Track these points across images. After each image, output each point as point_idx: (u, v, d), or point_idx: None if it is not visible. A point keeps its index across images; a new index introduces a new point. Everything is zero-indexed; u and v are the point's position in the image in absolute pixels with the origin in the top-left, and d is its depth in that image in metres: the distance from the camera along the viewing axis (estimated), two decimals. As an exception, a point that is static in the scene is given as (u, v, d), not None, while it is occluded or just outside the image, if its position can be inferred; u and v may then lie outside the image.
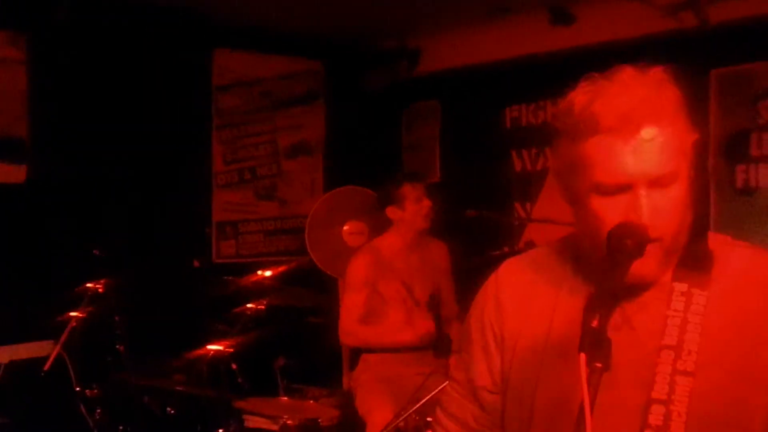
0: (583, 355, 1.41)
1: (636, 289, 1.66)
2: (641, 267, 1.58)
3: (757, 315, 1.63)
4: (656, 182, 1.57)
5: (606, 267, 1.55)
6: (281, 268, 5.35)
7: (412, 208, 4.68)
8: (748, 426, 1.60)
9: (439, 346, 4.51)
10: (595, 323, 1.44)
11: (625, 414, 1.63)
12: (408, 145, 6.48)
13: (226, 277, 5.30)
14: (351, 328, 4.67)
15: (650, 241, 1.57)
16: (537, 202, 5.59)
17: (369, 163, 6.14)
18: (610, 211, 1.59)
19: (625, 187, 1.58)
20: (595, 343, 1.43)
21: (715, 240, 1.74)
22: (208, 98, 6.08)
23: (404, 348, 4.65)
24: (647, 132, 1.55)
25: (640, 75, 1.60)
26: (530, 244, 5.11)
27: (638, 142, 1.55)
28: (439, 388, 3.85)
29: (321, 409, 4.66)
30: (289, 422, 4.30)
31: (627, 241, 1.55)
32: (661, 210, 1.58)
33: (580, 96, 1.61)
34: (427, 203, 4.69)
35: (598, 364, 1.42)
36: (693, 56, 4.49)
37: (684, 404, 1.59)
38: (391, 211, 4.71)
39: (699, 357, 1.61)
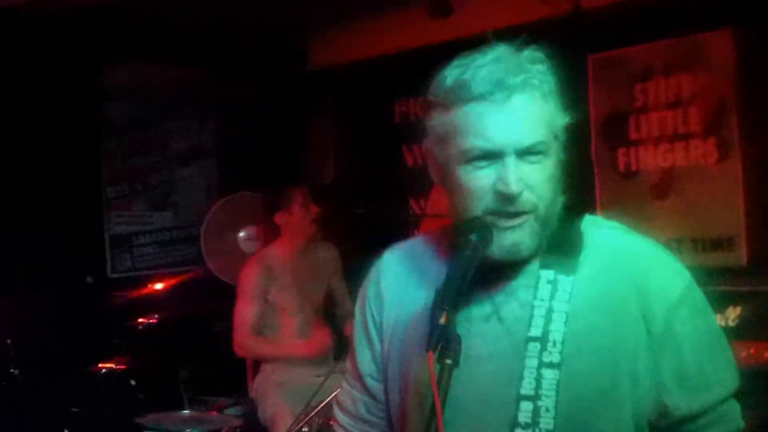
0: (430, 353, 1.41)
1: (504, 276, 1.65)
2: (516, 241, 1.58)
3: (618, 301, 1.61)
4: (525, 153, 1.56)
5: (453, 261, 1.54)
6: (175, 280, 5.27)
7: (300, 213, 4.66)
8: (616, 416, 1.59)
9: (339, 352, 4.52)
10: (443, 320, 1.43)
11: (495, 410, 1.61)
12: (303, 146, 6.45)
13: (120, 292, 5.20)
14: (243, 341, 4.62)
15: (513, 218, 1.56)
16: (430, 196, 5.61)
17: (265, 166, 6.08)
18: (479, 182, 1.57)
19: (494, 155, 1.55)
20: (443, 340, 1.42)
21: (588, 222, 1.72)
22: (96, 108, 5.94)
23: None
24: (519, 99, 1.54)
25: (514, 51, 1.61)
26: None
27: (509, 109, 1.54)
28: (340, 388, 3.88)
29: (224, 419, 4.62)
30: (192, 436, 4.26)
31: (471, 236, 1.55)
32: (531, 182, 1.56)
33: (453, 69, 1.59)
34: (314, 208, 4.67)
35: (448, 361, 1.42)
36: (570, 42, 4.55)
37: (552, 398, 1.56)
38: (279, 217, 4.69)
39: (565, 347, 1.58)
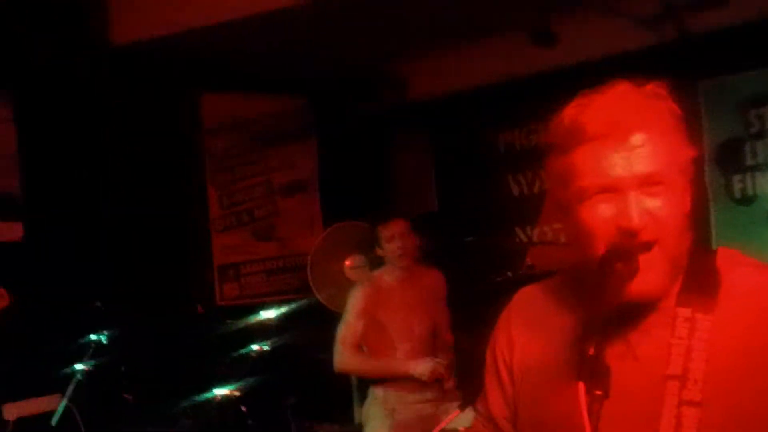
0: (581, 384, 1.39)
1: (639, 314, 1.61)
2: (644, 282, 1.53)
3: (764, 339, 1.56)
4: (645, 183, 1.53)
5: (598, 292, 1.51)
6: (282, 308, 5.33)
7: (388, 247, 4.71)
8: None
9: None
10: (591, 351, 1.41)
11: None
12: (402, 176, 6.48)
13: (230, 320, 5.27)
14: (343, 352, 4.63)
15: (641, 252, 1.52)
16: (537, 224, 5.57)
17: (365, 196, 6.12)
18: (598, 219, 1.54)
19: (611, 189, 1.53)
20: (593, 371, 1.40)
21: (722, 257, 1.66)
22: (200, 142, 6.08)
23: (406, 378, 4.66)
24: (636, 138, 1.52)
25: (635, 89, 1.58)
26: (531, 268, 5.09)
27: (626, 147, 1.52)
28: (451, 416, 3.84)
29: (332, 446, 4.64)
30: (302, 462, 4.28)
31: (617, 265, 1.51)
32: (653, 213, 1.53)
33: (571, 109, 1.59)
34: (405, 242, 4.70)
35: (598, 392, 1.39)
36: (678, 68, 4.51)
37: None
38: (377, 251, 4.76)
39: (705, 386, 1.54)
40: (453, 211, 6.03)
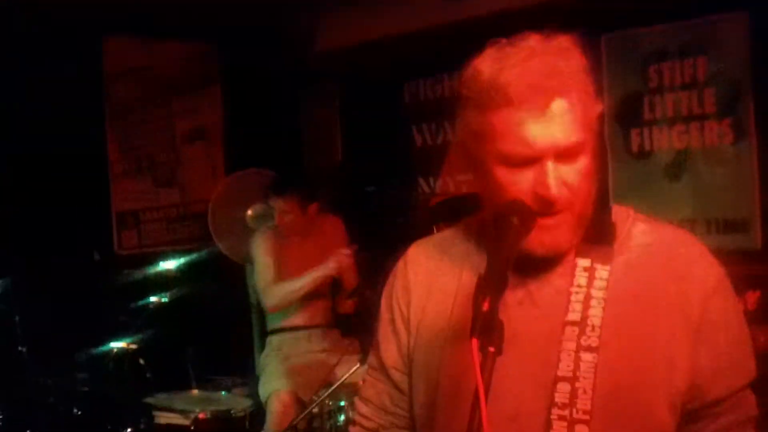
0: (474, 340, 1.38)
1: (540, 264, 1.66)
2: (553, 239, 1.60)
3: (656, 289, 1.64)
4: (564, 154, 1.56)
5: (494, 247, 1.53)
6: (183, 258, 5.26)
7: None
8: (651, 398, 1.61)
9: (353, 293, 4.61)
10: (485, 306, 1.41)
11: (532, 390, 1.62)
12: (308, 126, 6.41)
13: (128, 270, 5.18)
14: (271, 290, 4.69)
15: (538, 216, 1.56)
16: (439, 176, 5.58)
17: (270, 146, 6.04)
18: (516, 184, 1.57)
19: (532, 159, 1.55)
20: (487, 327, 1.40)
21: (618, 213, 1.74)
22: (100, 86, 5.90)
23: (309, 323, 4.67)
24: (557, 105, 1.54)
25: (546, 42, 1.58)
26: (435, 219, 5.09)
27: (548, 114, 1.53)
28: (352, 370, 3.88)
29: (233, 399, 4.63)
30: (200, 416, 4.26)
31: (513, 219, 1.54)
32: (570, 183, 1.57)
33: (487, 63, 1.58)
34: (294, 217, 4.74)
35: (491, 348, 1.40)
36: (582, 21, 4.50)
37: (590, 380, 1.58)
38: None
39: (603, 332, 1.61)
40: (357, 161, 6.00)
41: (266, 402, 4.43)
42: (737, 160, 4.35)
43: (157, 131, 6.16)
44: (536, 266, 1.66)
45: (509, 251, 1.51)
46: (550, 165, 1.55)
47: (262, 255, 4.76)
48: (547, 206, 1.56)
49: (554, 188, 1.55)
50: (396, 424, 1.87)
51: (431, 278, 1.79)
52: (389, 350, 1.85)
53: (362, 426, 1.91)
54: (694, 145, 4.51)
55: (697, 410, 1.65)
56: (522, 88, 1.52)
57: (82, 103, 5.69)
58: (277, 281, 4.68)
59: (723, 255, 1.71)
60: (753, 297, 3.49)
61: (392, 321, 1.84)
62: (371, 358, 1.92)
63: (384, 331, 1.86)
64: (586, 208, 1.63)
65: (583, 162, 1.58)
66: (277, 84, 6.30)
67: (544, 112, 1.53)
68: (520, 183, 1.56)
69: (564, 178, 1.56)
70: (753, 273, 3.57)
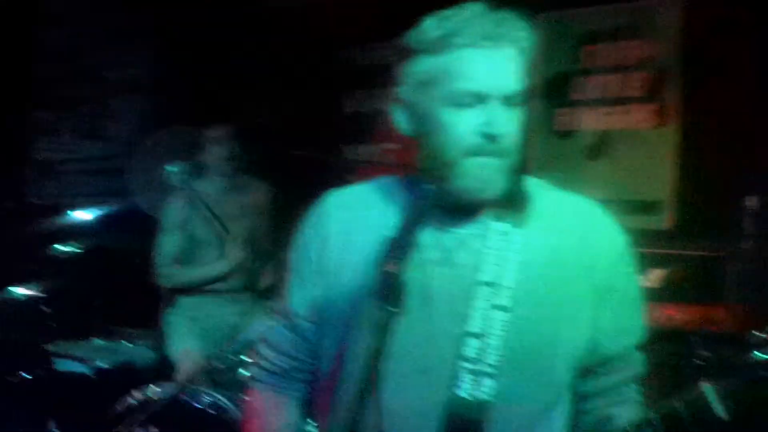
0: (377, 299, 1.47)
1: (458, 225, 1.75)
2: (492, 179, 1.67)
3: (567, 254, 1.74)
4: (508, 100, 1.65)
5: (408, 211, 1.61)
6: (99, 210, 5.17)
7: (210, 151, 4.66)
8: (554, 355, 1.73)
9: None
10: (391, 267, 1.48)
11: (441, 344, 1.69)
12: (239, 84, 6.31)
13: (42, 219, 5.08)
14: (165, 269, 4.58)
15: (496, 156, 1.65)
16: (365, 143, 5.55)
17: (198, 101, 5.94)
18: (462, 124, 1.65)
19: (480, 98, 1.64)
20: (390, 288, 1.47)
21: (532, 182, 1.81)
22: (28, 30, 5.76)
23: (219, 287, 4.61)
24: (508, 51, 1.65)
25: (491, 9, 1.68)
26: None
27: (498, 57, 1.65)
28: (257, 326, 3.84)
29: (136, 351, 4.56)
30: (101, 364, 4.19)
31: (430, 187, 1.63)
32: (511, 129, 1.67)
33: (437, 18, 1.67)
34: (229, 147, 4.62)
35: (393, 308, 1.46)
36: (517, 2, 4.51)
37: (499, 338, 1.68)
38: (200, 155, 4.70)
39: (515, 293, 1.70)
40: (284, 124, 5.94)
41: (176, 359, 4.37)
42: (657, 144, 4.41)
43: (83, 82, 6.02)
44: (452, 226, 1.74)
45: (420, 215, 1.59)
46: (496, 105, 1.65)
47: (169, 227, 4.62)
48: (491, 144, 1.65)
49: (501, 126, 1.64)
50: (298, 368, 1.91)
51: (347, 234, 1.82)
52: (297, 299, 1.88)
53: (261, 367, 1.96)
54: (618, 127, 4.56)
55: (592, 366, 1.80)
56: (475, 34, 1.64)
57: (6, 49, 5.56)
58: (174, 259, 4.57)
59: (634, 234, 1.84)
60: (659, 275, 3.58)
61: (303, 271, 1.87)
62: (277, 304, 1.96)
63: (293, 278, 1.89)
64: (516, 163, 1.71)
65: (521, 113, 1.69)
66: (211, 39, 6.20)
67: (496, 55, 1.65)
68: (466, 123, 1.65)
69: (507, 122, 1.66)
70: (659, 252, 3.66)
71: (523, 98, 1.69)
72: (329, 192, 1.91)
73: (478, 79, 1.64)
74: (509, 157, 1.68)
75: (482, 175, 1.66)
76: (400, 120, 1.77)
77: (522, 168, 1.74)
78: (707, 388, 1.52)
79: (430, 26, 1.68)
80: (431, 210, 1.63)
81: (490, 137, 1.64)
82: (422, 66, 1.69)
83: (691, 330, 3.53)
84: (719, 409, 1.48)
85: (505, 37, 1.65)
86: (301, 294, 1.87)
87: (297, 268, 1.89)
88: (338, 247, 1.81)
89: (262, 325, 3.67)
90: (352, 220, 1.83)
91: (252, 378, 1.99)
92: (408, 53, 1.72)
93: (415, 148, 1.75)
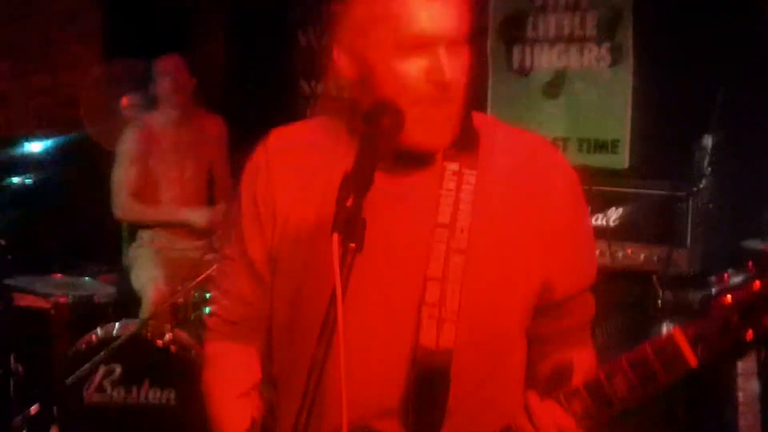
0: (336, 235, 1.40)
1: (409, 167, 1.68)
2: (443, 129, 1.61)
3: (519, 193, 1.70)
4: (454, 44, 1.57)
5: (363, 145, 1.54)
6: (53, 142, 5.09)
7: (161, 82, 4.61)
8: (510, 298, 1.69)
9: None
10: (349, 202, 1.42)
11: (402, 290, 1.65)
12: (192, 18, 6.21)
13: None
14: (123, 202, 4.56)
15: (444, 104, 1.59)
16: (321, 78, 5.53)
17: (150, 32, 5.83)
18: (410, 71, 1.57)
19: (426, 44, 1.56)
20: (349, 223, 1.41)
21: (479, 120, 1.76)
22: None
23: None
24: None
25: None
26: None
27: (440, 2, 1.55)
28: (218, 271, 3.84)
29: (97, 285, 4.55)
30: (61, 299, 4.17)
31: (383, 119, 1.55)
32: (458, 73, 1.59)
33: None
34: (179, 78, 4.57)
35: (352, 245, 1.41)
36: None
37: (458, 281, 1.63)
38: (153, 86, 4.64)
39: (470, 235, 1.65)
40: (238, 58, 5.88)
41: (141, 290, 4.37)
42: (612, 84, 4.49)
43: (30, 12, 5.86)
44: (406, 167, 1.67)
45: (377, 150, 1.52)
46: (442, 51, 1.56)
47: (124, 160, 4.59)
48: (440, 92, 1.57)
49: (448, 73, 1.56)
50: (255, 315, 1.84)
51: (298, 173, 1.75)
52: (252, 242, 1.79)
53: (221, 317, 1.88)
54: (573, 66, 4.61)
55: (543, 308, 1.74)
56: None
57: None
58: (132, 193, 4.56)
59: (592, 172, 1.80)
60: (615, 214, 3.63)
61: (256, 214, 1.78)
62: (229, 249, 1.86)
63: (246, 223, 1.80)
64: (464, 104, 1.65)
65: (466, 56, 1.62)
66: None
67: None
68: (411, 71, 1.57)
69: (453, 67, 1.58)
70: (618, 191, 3.71)
71: (468, 40, 1.61)
72: (272, 132, 1.82)
73: (423, 26, 1.55)
74: (458, 102, 1.62)
75: (432, 126, 1.61)
76: (342, 63, 1.67)
77: (470, 107, 1.71)
78: (677, 334, 1.45)
79: None
80: (387, 145, 1.56)
81: (439, 85, 1.57)
82: (360, 9, 1.60)
83: (651, 270, 3.58)
84: (689, 354, 1.43)
85: None
86: (256, 237, 1.78)
87: (250, 212, 1.79)
88: (290, 188, 1.75)
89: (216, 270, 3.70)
90: (303, 160, 1.76)
91: (210, 329, 1.91)
92: None
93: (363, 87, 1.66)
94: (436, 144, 1.65)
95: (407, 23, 1.55)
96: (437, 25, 1.55)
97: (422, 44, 1.56)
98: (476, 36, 1.64)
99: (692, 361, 1.43)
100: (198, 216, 4.55)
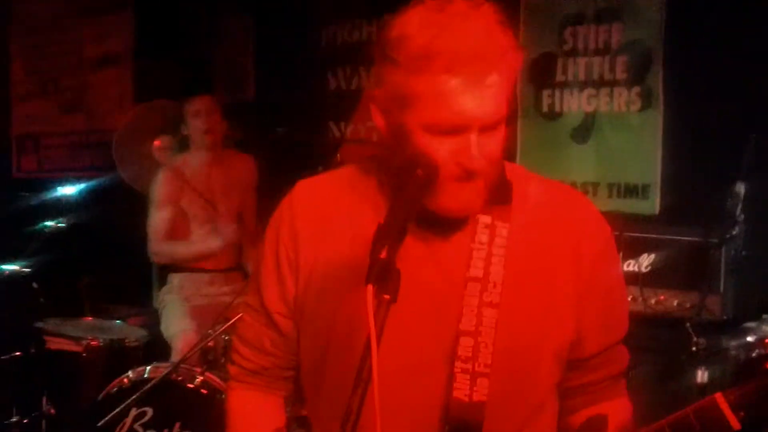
0: (370, 287, 1.39)
1: (441, 221, 1.67)
2: (469, 200, 1.62)
3: (552, 247, 1.71)
4: (489, 126, 1.57)
5: (396, 196, 1.55)
6: (84, 185, 5.14)
7: (193, 124, 4.64)
8: (543, 352, 1.70)
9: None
10: (383, 254, 1.41)
11: (434, 344, 1.65)
12: (221, 60, 6.28)
13: (26, 193, 5.04)
14: (158, 246, 4.60)
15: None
16: (351, 121, 5.55)
17: (180, 75, 5.90)
18: (437, 151, 1.56)
19: (458, 129, 1.55)
20: (383, 274, 1.40)
21: (511, 171, 1.77)
22: (7, 4, 5.68)
23: (211, 266, 4.62)
24: (491, 78, 1.52)
25: (474, 10, 1.56)
26: (342, 164, 5.07)
27: (481, 86, 1.52)
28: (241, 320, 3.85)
29: (127, 329, 4.57)
30: (93, 343, 4.19)
31: (418, 171, 1.55)
32: (489, 152, 1.58)
33: (416, 27, 1.54)
34: (211, 119, 4.61)
35: (386, 296, 1.40)
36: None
37: (491, 335, 1.63)
38: (183, 128, 4.69)
39: (503, 289, 1.66)
40: (269, 101, 5.92)
41: (171, 340, 4.39)
42: (643, 128, 4.45)
43: (64, 54, 5.96)
44: (439, 223, 1.67)
45: (411, 202, 1.53)
46: (474, 137, 1.55)
47: (158, 202, 4.64)
48: (467, 175, 1.58)
49: (477, 159, 1.56)
50: (277, 365, 1.85)
51: (324, 222, 1.76)
52: (272, 295, 1.81)
53: (241, 366, 1.89)
54: (603, 110, 4.59)
55: (575, 362, 1.75)
56: (453, 59, 1.50)
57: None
58: (166, 235, 4.61)
59: (622, 218, 1.81)
60: (647, 260, 3.62)
61: (278, 266, 1.79)
62: (250, 299, 1.88)
63: (268, 275, 1.81)
64: (498, 173, 1.68)
65: (501, 132, 1.61)
66: (192, 13, 6.15)
67: (478, 83, 1.52)
68: (440, 150, 1.56)
69: (484, 149, 1.57)
70: (649, 237, 3.69)
71: (504, 119, 1.60)
72: (297, 185, 1.83)
73: (457, 112, 1.53)
74: (488, 177, 1.62)
75: (459, 197, 1.61)
76: (378, 119, 1.67)
77: (502, 168, 1.71)
78: (720, 399, 1.45)
79: (406, 39, 1.55)
80: (421, 196, 1.56)
81: (466, 169, 1.57)
82: (398, 80, 1.57)
83: (684, 317, 3.55)
84: (732, 419, 1.43)
85: (488, 61, 1.52)
86: (276, 290, 1.80)
87: (271, 264, 1.80)
88: (315, 240, 1.75)
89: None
90: (328, 209, 1.76)
91: (232, 377, 1.93)
92: (384, 59, 1.60)
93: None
94: (463, 212, 1.67)
95: (442, 105, 1.53)
96: (472, 110, 1.53)
97: (454, 129, 1.55)
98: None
99: (735, 425, 1.43)
100: (223, 235, 4.57)
